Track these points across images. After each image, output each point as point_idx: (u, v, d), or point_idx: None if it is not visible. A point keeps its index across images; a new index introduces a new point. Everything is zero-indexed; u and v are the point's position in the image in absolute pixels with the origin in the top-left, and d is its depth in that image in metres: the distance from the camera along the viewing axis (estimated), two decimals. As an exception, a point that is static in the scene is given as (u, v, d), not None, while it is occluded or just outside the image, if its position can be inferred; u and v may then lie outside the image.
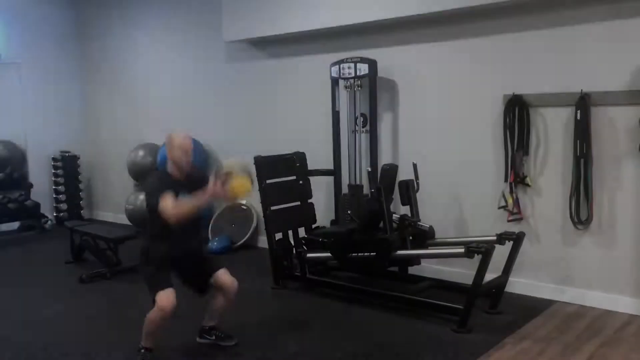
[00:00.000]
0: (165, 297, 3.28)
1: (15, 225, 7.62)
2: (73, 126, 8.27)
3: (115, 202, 8.12)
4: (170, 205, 3.18)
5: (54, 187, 7.99)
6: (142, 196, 6.80)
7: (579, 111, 4.17)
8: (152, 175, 3.47)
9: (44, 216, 7.58)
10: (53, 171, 7.96)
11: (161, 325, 3.38)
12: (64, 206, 8.00)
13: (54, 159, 7.96)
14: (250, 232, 6.31)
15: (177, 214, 3.18)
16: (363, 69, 5.07)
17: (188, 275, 3.59)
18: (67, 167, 7.97)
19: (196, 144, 6.76)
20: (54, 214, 7.99)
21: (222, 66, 6.57)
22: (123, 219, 7.49)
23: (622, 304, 4.17)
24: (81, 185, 8.20)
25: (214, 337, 3.74)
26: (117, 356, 3.62)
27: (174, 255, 3.46)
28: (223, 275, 3.56)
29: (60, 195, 7.99)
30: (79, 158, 8.10)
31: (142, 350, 3.42)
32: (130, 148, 7.24)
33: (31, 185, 7.59)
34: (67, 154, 7.98)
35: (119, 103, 7.90)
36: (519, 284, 4.58)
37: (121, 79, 7.81)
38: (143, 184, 3.37)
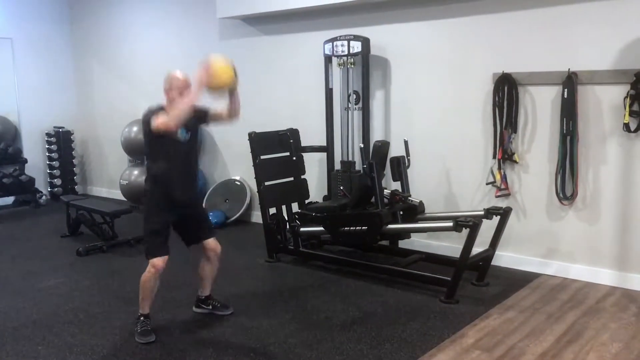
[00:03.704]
0: (159, 261, 3.44)
1: (10, 200, 7.68)
2: (66, 102, 8.30)
3: (109, 177, 8.20)
4: (163, 118, 3.25)
5: (48, 162, 8.05)
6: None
7: (566, 90, 4.27)
8: (146, 112, 3.47)
9: (38, 191, 7.64)
10: (47, 146, 8.01)
11: (154, 283, 3.50)
12: (58, 181, 8.06)
13: (48, 134, 8.00)
14: (244, 207, 6.42)
15: (173, 119, 3.23)
16: (356, 46, 5.14)
17: (184, 225, 3.67)
18: (61, 142, 8.01)
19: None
20: (48, 189, 8.07)
21: (216, 43, 6.60)
22: (117, 194, 7.58)
23: (603, 276, 4.33)
24: (75, 161, 8.26)
25: (210, 307, 3.87)
26: (115, 325, 3.75)
27: (174, 197, 3.51)
28: (210, 241, 3.72)
29: (55, 171, 8.05)
30: (72, 133, 8.14)
31: (142, 318, 3.54)
32: (124, 124, 7.29)
33: (25, 161, 7.65)
34: (60, 129, 8.02)
35: (113, 79, 7.91)
36: (506, 258, 4.73)
37: (115, 54, 7.82)
38: (142, 120, 3.46)
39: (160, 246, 3.48)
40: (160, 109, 3.42)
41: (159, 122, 3.26)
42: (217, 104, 3.65)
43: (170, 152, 3.45)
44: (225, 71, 3.35)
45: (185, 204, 3.60)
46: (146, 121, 3.38)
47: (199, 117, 3.60)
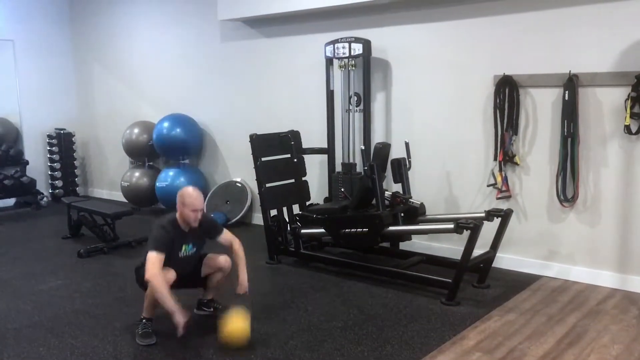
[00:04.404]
0: (167, 271, 3.41)
1: (11, 201, 7.71)
2: (68, 103, 8.32)
3: (110, 179, 8.21)
4: (151, 269, 3.29)
5: (49, 164, 8.06)
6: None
7: (567, 92, 4.27)
8: (160, 220, 3.54)
9: (39, 193, 7.66)
10: (48, 148, 8.02)
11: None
12: (59, 183, 8.07)
13: (49, 136, 8.01)
14: (245, 209, 6.42)
15: (155, 292, 3.30)
16: (357, 48, 5.15)
17: (183, 284, 3.67)
18: (62, 144, 8.03)
19: (191, 122, 6.84)
20: (50, 191, 8.07)
21: (217, 45, 6.62)
22: (118, 196, 7.59)
23: (604, 278, 4.33)
24: (76, 162, 8.28)
25: (212, 309, 3.87)
26: (116, 326, 3.75)
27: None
28: (214, 258, 3.74)
29: (56, 172, 8.06)
30: (73, 135, 8.15)
31: (144, 320, 3.54)
32: (125, 125, 7.30)
33: (27, 162, 7.66)
34: (62, 131, 8.03)
35: (114, 81, 7.92)
36: (507, 260, 4.73)
37: (116, 56, 7.83)
38: (154, 225, 3.55)
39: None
40: (172, 226, 3.50)
41: (149, 274, 3.29)
42: (226, 238, 3.79)
43: (170, 260, 3.47)
44: (240, 332, 3.39)
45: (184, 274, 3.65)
46: (153, 237, 3.44)
47: (207, 233, 3.69)
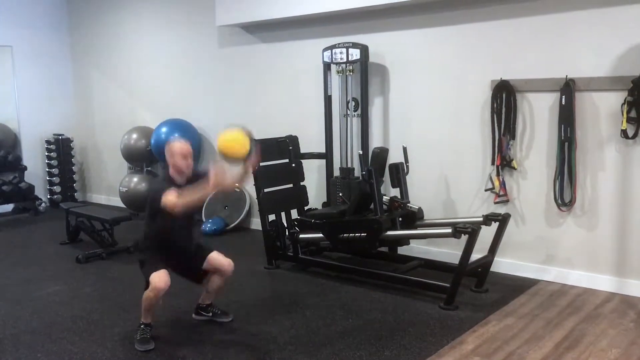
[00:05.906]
0: (158, 277, 3.40)
1: (9, 207, 7.69)
2: (66, 109, 8.32)
3: (108, 184, 8.21)
4: (174, 197, 3.24)
5: (47, 169, 8.05)
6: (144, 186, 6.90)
7: (563, 96, 4.29)
8: (154, 179, 3.51)
9: (37, 198, 7.65)
10: (46, 154, 8.01)
11: (156, 302, 3.50)
12: (57, 188, 8.06)
13: (47, 142, 8.00)
14: (243, 214, 6.43)
15: (182, 204, 3.23)
16: (355, 54, 5.16)
17: (181, 268, 3.70)
18: (61, 149, 8.02)
19: (189, 127, 6.87)
20: (48, 197, 8.07)
21: (215, 50, 6.63)
22: (117, 202, 7.58)
23: (602, 282, 4.34)
24: (74, 168, 8.27)
25: (210, 314, 3.88)
26: (114, 332, 3.75)
27: (167, 253, 3.59)
28: (218, 258, 3.70)
29: (54, 178, 8.05)
30: (72, 141, 8.15)
31: (142, 326, 3.54)
32: (124, 131, 7.30)
33: (25, 168, 7.65)
34: (60, 137, 8.02)
35: (113, 86, 7.93)
36: (505, 264, 4.74)
37: (114, 62, 7.84)
38: (147, 187, 3.50)
39: (154, 263, 3.49)
40: (168, 179, 3.48)
41: (168, 201, 3.24)
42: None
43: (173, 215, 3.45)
44: (238, 146, 3.26)
45: (182, 253, 3.66)
46: (154, 190, 3.44)
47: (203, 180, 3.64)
